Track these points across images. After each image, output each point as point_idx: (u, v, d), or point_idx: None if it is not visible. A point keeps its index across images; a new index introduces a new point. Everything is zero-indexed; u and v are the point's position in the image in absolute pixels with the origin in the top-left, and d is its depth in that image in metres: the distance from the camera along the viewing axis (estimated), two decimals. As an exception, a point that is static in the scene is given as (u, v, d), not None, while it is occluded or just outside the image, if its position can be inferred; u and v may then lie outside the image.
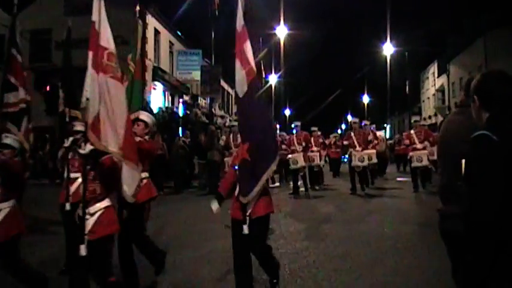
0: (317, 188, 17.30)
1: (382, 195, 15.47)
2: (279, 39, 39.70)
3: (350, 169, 16.06)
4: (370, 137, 16.67)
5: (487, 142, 2.47)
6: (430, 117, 54.06)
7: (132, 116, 5.56)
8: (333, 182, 20.46)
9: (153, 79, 27.91)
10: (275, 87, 52.53)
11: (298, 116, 62.19)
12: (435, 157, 15.31)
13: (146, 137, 5.97)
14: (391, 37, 43.75)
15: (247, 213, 5.03)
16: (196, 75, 31.58)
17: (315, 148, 17.43)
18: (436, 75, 52.49)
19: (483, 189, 2.43)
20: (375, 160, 16.45)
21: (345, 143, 16.77)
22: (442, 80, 49.91)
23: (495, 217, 2.36)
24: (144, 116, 6.13)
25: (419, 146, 15.09)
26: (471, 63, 39.58)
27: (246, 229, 4.97)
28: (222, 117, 28.94)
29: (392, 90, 47.56)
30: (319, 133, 18.84)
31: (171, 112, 26.97)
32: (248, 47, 5.12)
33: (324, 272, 6.54)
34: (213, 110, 32.78)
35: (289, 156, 16.00)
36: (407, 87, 51.43)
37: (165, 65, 30.22)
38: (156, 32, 28.93)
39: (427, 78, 57.23)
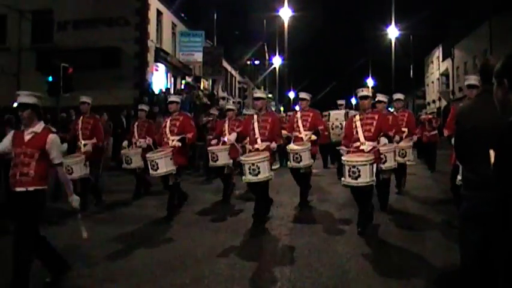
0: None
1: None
2: (283, 21, 39.52)
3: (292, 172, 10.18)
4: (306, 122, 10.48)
5: None
6: (434, 101, 53.93)
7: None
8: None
9: (155, 60, 27.82)
10: (279, 69, 52.42)
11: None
12: (406, 159, 11.10)
13: None
14: (396, 20, 43.57)
15: None
16: (199, 56, 31.54)
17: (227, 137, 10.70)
18: (440, 59, 52.22)
19: None
20: (306, 161, 9.72)
21: (284, 132, 10.54)
22: (446, 64, 49.66)
23: None
24: None
25: (365, 145, 8.07)
26: (476, 48, 39.34)
27: None
28: (224, 98, 28.91)
29: (396, 74, 47.37)
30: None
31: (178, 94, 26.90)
32: None
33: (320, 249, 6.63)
34: (214, 91, 32.78)
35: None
36: (411, 71, 51.26)
37: (167, 46, 30.09)
38: (159, 13, 28.76)
39: (432, 62, 56.95)
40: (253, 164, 8.20)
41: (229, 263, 6.25)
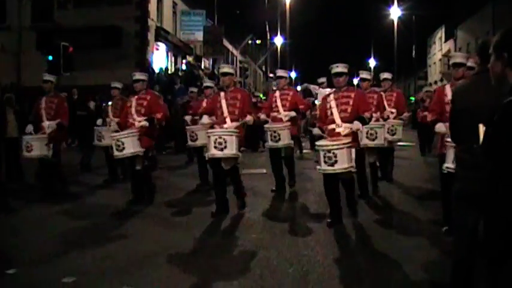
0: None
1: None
2: (284, 0, 39.33)
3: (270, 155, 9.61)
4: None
5: None
6: (436, 82, 53.78)
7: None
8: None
9: (156, 39, 27.79)
10: (281, 49, 52.18)
11: (304, 78, 62.00)
12: (396, 137, 10.03)
13: None
14: (398, 0, 43.36)
15: None
16: (200, 35, 31.44)
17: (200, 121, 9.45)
18: (443, 40, 51.97)
19: None
20: (285, 140, 9.01)
21: (262, 116, 9.69)
22: (449, 45, 49.40)
23: None
24: None
25: (341, 127, 7.12)
26: (479, 29, 39.10)
27: None
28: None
29: (398, 55, 47.24)
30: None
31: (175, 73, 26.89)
32: None
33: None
34: (215, 71, 32.71)
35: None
36: (413, 51, 51.07)
37: (168, 25, 29.98)
38: (160, -8, 28.66)
39: (434, 43, 56.68)
40: (219, 137, 7.31)
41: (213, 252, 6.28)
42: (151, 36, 27.06)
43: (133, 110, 8.59)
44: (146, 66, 25.73)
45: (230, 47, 43.23)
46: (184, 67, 29.53)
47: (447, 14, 48.70)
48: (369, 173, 9.23)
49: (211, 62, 34.02)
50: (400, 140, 10.38)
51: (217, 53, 32.56)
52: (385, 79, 10.75)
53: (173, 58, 31.28)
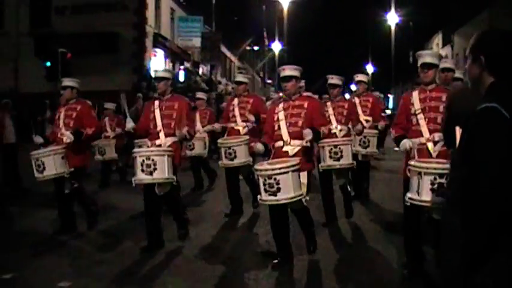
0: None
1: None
2: (282, 6, 39.47)
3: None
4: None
5: (498, 118, 2.10)
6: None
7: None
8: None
9: (154, 45, 27.83)
10: (278, 55, 52.33)
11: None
12: (369, 150, 8.70)
13: None
14: (396, 6, 43.54)
15: None
16: (197, 41, 31.52)
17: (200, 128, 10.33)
18: (440, 45, 52.13)
19: (488, 173, 2.08)
20: (242, 158, 7.61)
21: (216, 125, 9.64)
22: (446, 51, 49.51)
23: (497, 206, 2.07)
24: None
25: (289, 146, 5.75)
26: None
27: None
28: (220, 82, 28.84)
29: (396, 60, 47.37)
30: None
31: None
32: None
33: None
34: (213, 77, 32.78)
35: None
36: (411, 57, 51.18)
37: (166, 31, 30.05)
38: (157, -2, 28.74)
39: (431, 48, 56.84)
40: (148, 158, 5.90)
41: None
42: (148, 42, 27.12)
43: (61, 123, 7.21)
44: (144, 73, 25.80)
45: (228, 53, 43.32)
46: (182, 73, 29.56)
47: (444, 19, 48.95)
48: (341, 196, 7.76)
49: (209, 68, 34.12)
50: (374, 153, 9.11)
51: (215, 59, 32.65)
52: (359, 81, 9.40)
53: (171, 64, 31.34)
